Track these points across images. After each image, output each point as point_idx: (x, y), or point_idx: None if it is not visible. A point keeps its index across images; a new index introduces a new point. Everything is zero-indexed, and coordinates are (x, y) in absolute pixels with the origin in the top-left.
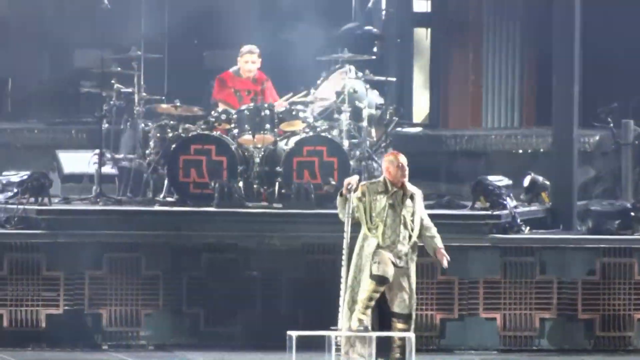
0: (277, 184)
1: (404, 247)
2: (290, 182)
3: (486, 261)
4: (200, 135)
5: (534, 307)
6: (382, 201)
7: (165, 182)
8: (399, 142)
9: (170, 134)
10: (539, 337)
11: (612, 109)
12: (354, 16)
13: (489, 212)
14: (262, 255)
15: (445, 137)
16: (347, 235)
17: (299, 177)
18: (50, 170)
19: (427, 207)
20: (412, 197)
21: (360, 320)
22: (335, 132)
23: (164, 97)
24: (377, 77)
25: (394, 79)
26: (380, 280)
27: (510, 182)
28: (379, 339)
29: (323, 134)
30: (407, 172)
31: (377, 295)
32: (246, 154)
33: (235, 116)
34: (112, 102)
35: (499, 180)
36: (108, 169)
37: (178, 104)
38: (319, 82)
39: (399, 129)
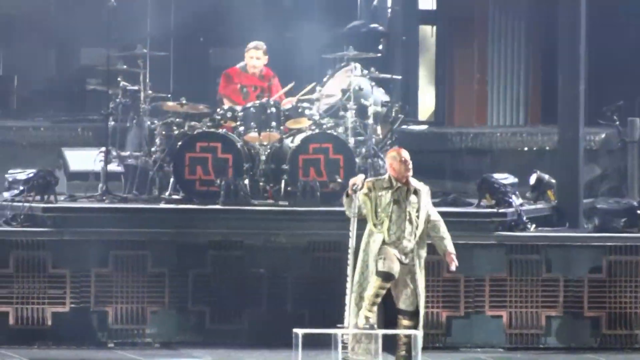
0: (283, 181)
1: (409, 244)
2: (296, 179)
3: (492, 259)
4: (206, 133)
5: (540, 304)
6: (387, 197)
7: (171, 179)
8: (404, 139)
9: (176, 132)
10: (545, 335)
11: (618, 106)
12: (360, 14)
13: (495, 210)
14: (268, 252)
15: (450, 134)
16: (352, 235)
17: (305, 174)
18: (56, 168)
19: (432, 204)
20: (416, 193)
21: (366, 318)
22: (341, 130)
23: (169, 95)
24: (382, 75)
25: (399, 77)
26: (385, 276)
27: (516, 180)
28: (385, 335)
29: (329, 132)
30: (410, 167)
31: (383, 291)
32: (252, 151)
33: (241, 113)
34: (118, 100)
35: (505, 178)
36: (114, 167)
37: (184, 101)
38: (324, 79)
39: (404, 126)
